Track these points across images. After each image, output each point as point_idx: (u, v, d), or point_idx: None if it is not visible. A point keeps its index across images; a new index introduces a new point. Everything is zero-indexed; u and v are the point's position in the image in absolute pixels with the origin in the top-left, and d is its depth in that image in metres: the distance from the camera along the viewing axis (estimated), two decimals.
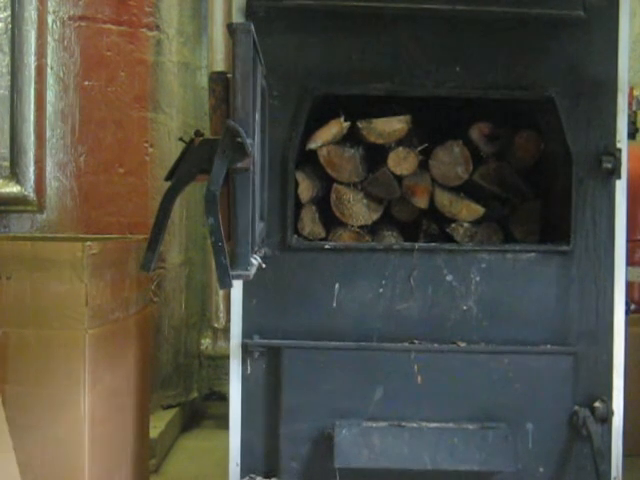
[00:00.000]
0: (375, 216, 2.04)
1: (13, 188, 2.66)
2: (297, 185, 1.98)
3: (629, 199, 1.94)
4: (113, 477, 2.04)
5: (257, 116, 1.50)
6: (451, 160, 2.03)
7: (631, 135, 3.10)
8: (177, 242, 3.04)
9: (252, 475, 1.94)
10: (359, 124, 1.99)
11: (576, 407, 1.91)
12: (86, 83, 2.87)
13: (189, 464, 2.73)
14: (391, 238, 2.05)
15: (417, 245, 1.95)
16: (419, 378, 1.92)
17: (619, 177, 1.92)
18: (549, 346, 1.93)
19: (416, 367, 1.92)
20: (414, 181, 2.03)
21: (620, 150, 1.92)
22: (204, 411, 3.34)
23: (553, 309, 1.94)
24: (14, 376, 1.89)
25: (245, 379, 1.94)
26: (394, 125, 1.99)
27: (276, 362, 1.93)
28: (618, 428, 1.94)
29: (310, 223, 2.03)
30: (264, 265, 1.67)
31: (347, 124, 1.97)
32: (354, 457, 1.89)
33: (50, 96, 2.80)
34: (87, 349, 1.89)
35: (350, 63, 1.93)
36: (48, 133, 2.79)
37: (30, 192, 2.68)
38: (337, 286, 1.94)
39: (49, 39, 2.77)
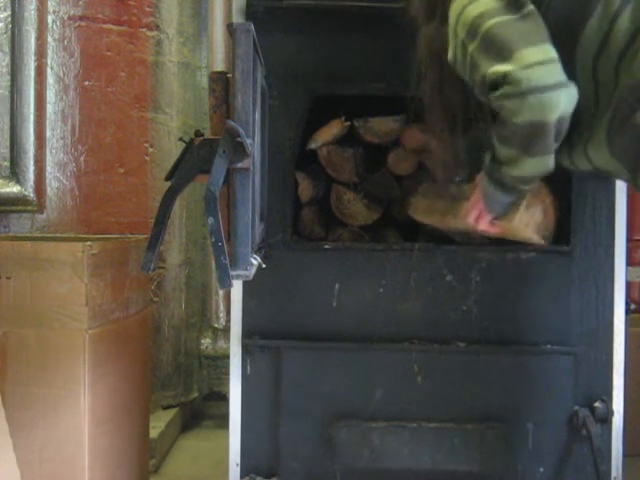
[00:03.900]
0: (375, 216, 2.04)
1: (13, 188, 2.65)
2: (297, 185, 1.98)
3: (629, 199, 1.94)
4: (113, 477, 2.04)
5: (257, 116, 1.50)
6: None
7: None
8: (177, 242, 3.04)
9: (252, 475, 1.94)
10: (356, 123, 1.99)
11: (576, 407, 1.91)
12: (86, 83, 2.87)
13: (189, 464, 2.73)
14: (391, 238, 2.05)
15: (417, 245, 1.95)
16: (419, 378, 1.93)
17: None
18: (549, 346, 1.93)
19: (416, 367, 1.93)
20: (414, 181, 2.03)
21: None
22: (204, 411, 3.34)
23: (553, 309, 1.94)
24: (14, 376, 1.89)
25: (245, 379, 1.94)
26: (390, 125, 1.99)
27: (276, 362, 1.93)
28: (618, 428, 1.94)
29: (310, 223, 2.03)
30: (264, 265, 1.67)
31: (347, 124, 1.97)
32: (354, 457, 1.90)
33: (50, 96, 2.80)
34: (87, 349, 1.89)
35: (350, 63, 1.93)
36: (48, 133, 2.79)
37: (30, 192, 2.68)
38: (337, 286, 1.94)
39: (49, 39, 2.77)
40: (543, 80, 1.21)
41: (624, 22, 1.18)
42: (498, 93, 1.25)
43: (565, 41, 1.26)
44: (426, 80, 1.59)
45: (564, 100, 1.22)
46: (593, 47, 1.23)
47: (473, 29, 1.28)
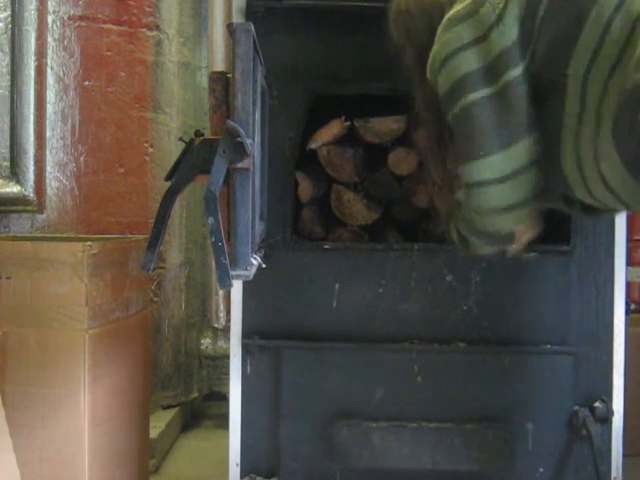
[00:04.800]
0: (375, 216, 2.04)
1: (13, 188, 2.65)
2: (297, 185, 1.98)
3: None
4: (113, 477, 2.04)
5: (257, 116, 1.50)
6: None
7: None
8: (177, 242, 3.04)
9: (252, 475, 1.94)
10: (356, 123, 1.99)
11: (576, 407, 1.91)
12: (86, 83, 2.87)
13: (189, 464, 2.73)
14: (391, 238, 2.05)
15: (417, 245, 1.95)
16: (419, 378, 1.93)
17: None
18: (549, 346, 1.93)
19: (416, 367, 1.92)
20: (414, 181, 2.03)
21: None
22: (204, 411, 3.34)
23: (553, 309, 1.94)
24: (14, 376, 1.89)
25: (245, 379, 1.94)
26: (390, 125, 1.99)
27: (276, 362, 1.93)
28: (618, 428, 1.94)
29: (310, 223, 2.03)
30: (264, 265, 1.67)
31: (347, 124, 1.97)
32: (354, 457, 1.89)
33: (50, 96, 2.80)
34: (87, 349, 1.89)
35: (350, 63, 1.93)
36: (48, 133, 2.79)
37: (30, 192, 2.68)
38: (337, 286, 1.94)
39: (49, 39, 2.77)
40: (502, 201, 1.26)
41: (616, 31, 1.17)
42: (465, 194, 1.32)
43: (556, 62, 1.25)
44: (425, 132, 1.60)
45: (518, 219, 1.29)
46: (584, 61, 1.21)
47: (454, 94, 1.29)
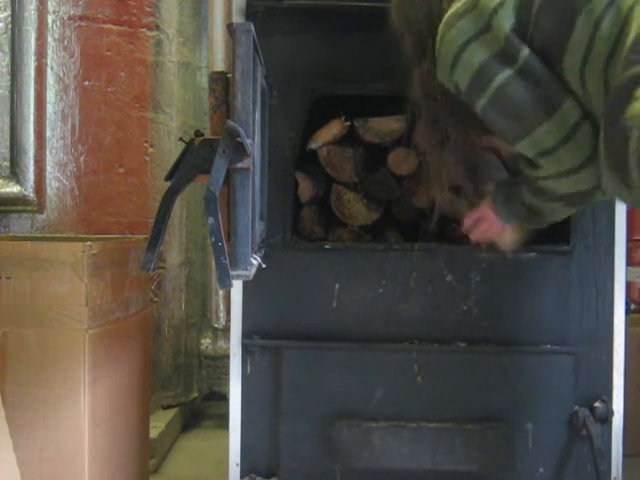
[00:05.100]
0: (375, 216, 2.04)
1: (13, 188, 2.65)
2: (297, 185, 1.98)
3: None
4: (113, 477, 2.04)
5: (257, 116, 1.50)
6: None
7: None
8: (177, 242, 3.04)
9: (252, 475, 1.94)
10: (356, 123, 1.98)
11: (576, 407, 1.91)
12: (86, 83, 2.87)
13: (189, 464, 2.73)
14: (391, 238, 2.05)
15: (417, 245, 1.95)
16: (419, 378, 1.93)
17: None
18: (549, 346, 1.93)
19: (416, 367, 1.93)
20: (414, 181, 2.03)
21: None
22: (204, 411, 3.34)
23: (553, 309, 1.94)
24: (14, 376, 1.89)
25: (245, 379, 1.94)
26: (391, 125, 1.99)
27: (276, 362, 1.93)
28: (618, 428, 1.94)
29: (310, 223, 2.03)
30: (264, 265, 1.67)
31: (347, 124, 1.97)
32: (354, 457, 1.90)
33: (50, 96, 2.80)
34: (87, 349, 1.89)
35: (350, 63, 1.93)
36: (48, 133, 2.79)
37: (30, 192, 2.68)
38: (337, 286, 1.94)
39: (49, 39, 2.77)
40: (570, 163, 1.27)
41: (606, 28, 1.18)
42: (533, 174, 1.33)
43: (552, 55, 1.26)
44: (421, 119, 1.60)
45: (591, 176, 1.28)
46: (578, 57, 1.23)
47: (479, 84, 1.30)
